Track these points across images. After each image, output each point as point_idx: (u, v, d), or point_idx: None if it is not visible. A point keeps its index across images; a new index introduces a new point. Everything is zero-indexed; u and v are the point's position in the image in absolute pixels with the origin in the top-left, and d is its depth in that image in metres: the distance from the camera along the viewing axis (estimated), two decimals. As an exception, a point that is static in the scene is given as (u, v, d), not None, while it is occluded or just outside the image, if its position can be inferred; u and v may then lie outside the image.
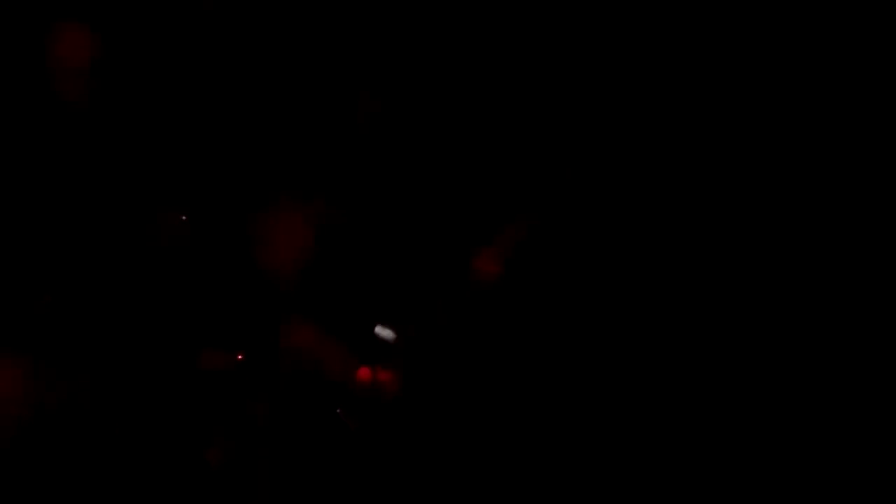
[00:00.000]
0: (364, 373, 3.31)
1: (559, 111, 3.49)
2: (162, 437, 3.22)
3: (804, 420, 3.29)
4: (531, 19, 3.50)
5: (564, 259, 3.42)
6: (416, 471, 3.29)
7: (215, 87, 3.44)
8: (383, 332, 3.29)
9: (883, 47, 3.39)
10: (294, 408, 3.29)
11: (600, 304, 3.39)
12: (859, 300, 3.33)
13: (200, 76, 3.44)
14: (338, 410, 3.23)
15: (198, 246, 3.39)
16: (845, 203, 3.39)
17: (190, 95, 3.43)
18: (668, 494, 3.27)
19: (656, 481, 3.29)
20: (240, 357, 3.28)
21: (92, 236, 3.31)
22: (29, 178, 3.31)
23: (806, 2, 3.41)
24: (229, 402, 3.27)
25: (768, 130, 3.43)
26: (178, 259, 3.35)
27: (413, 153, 3.43)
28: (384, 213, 3.40)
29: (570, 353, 3.37)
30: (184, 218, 3.35)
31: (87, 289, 3.29)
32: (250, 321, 3.31)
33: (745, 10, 3.45)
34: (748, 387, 3.32)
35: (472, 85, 3.49)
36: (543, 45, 3.48)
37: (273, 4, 3.47)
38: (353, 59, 3.46)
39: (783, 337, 3.32)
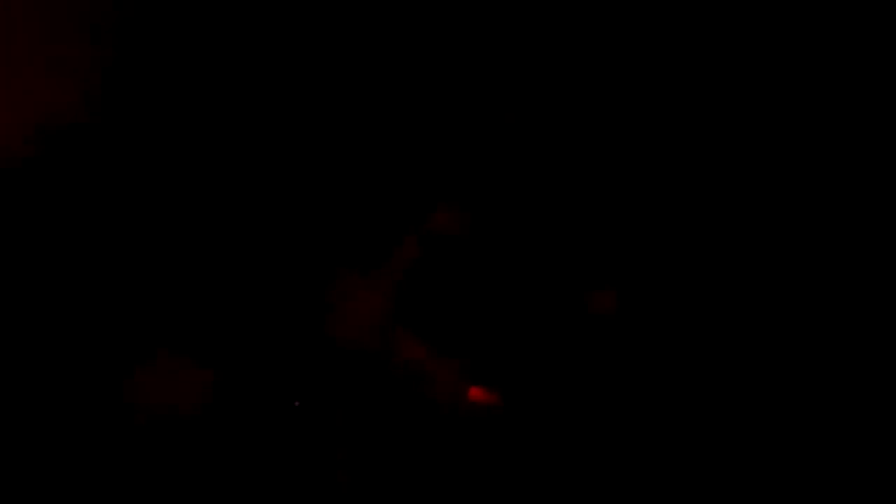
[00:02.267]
0: (476, 392, 3.35)
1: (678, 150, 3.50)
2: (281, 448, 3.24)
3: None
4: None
5: (680, 296, 3.42)
6: (521, 492, 3.30)
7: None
8: None
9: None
10: (403, 424, 3.33)
11: (715, 339, 3.37)
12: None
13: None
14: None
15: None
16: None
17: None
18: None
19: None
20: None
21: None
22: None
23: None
24: (341, 417, 3.31)
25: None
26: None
27: (536, 181, 3.45)
28: (505, 236, 3.40)
29: (682, 387, 3.37)
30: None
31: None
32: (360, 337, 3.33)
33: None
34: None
35: (604, 119, 3.49)
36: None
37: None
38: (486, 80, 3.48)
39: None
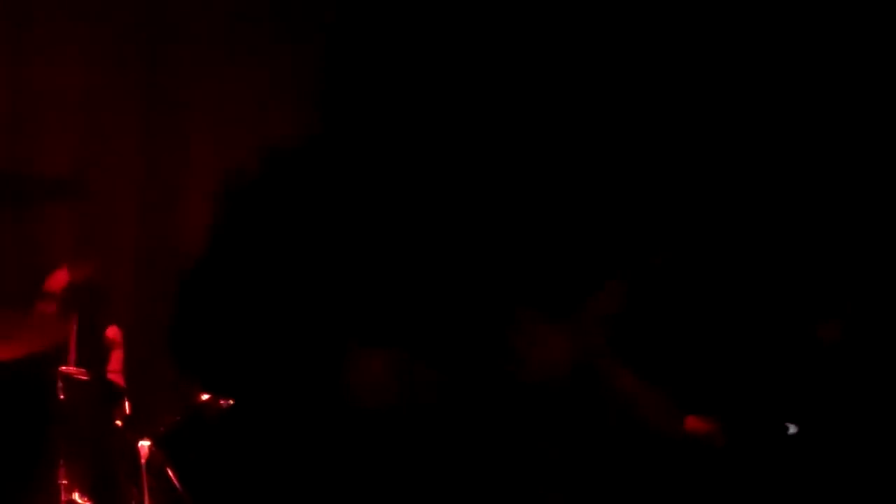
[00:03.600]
0: (693, 422, 3.24)
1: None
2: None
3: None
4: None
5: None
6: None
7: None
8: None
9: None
10: (616, 451, 3.23)
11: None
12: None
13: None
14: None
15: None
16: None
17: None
18: None
19: None
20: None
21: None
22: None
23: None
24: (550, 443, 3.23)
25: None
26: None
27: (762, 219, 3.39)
28: (723, 267, 3.36)
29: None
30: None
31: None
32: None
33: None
34: None
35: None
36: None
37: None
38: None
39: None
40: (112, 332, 4.13)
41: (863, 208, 3.35)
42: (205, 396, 3.76)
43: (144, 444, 3.56)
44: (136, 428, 3.62)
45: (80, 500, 3.42)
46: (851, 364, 3.19)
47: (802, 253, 3.32)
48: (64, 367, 3.60)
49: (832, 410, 3.20)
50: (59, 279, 4.10)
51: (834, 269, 3.30)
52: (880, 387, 3.20)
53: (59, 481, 3.41)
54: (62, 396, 3.51)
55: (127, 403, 3.66)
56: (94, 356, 4.06)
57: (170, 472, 3.62)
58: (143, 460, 3.52)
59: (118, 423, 3.59)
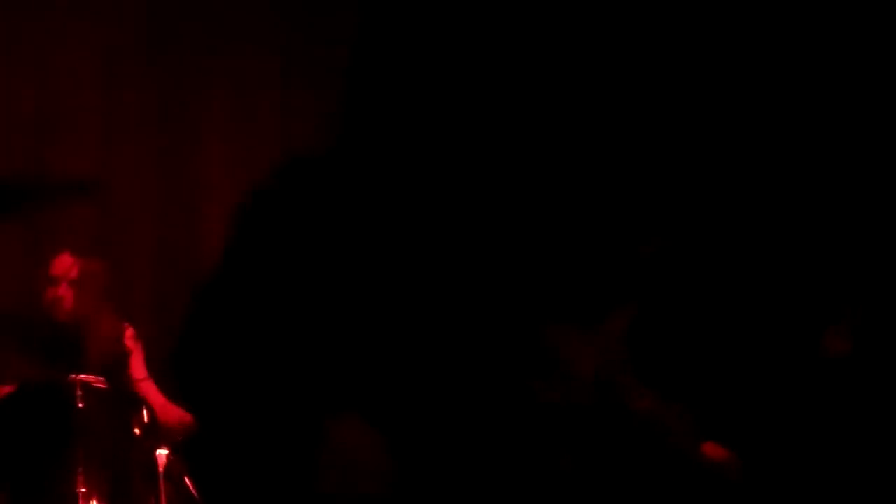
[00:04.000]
0: (711, 448, 3.26)
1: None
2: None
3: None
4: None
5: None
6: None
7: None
8: None
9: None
10: (638, 467, 3.27)
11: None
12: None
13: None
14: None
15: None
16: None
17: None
18: None
19: None
20: None
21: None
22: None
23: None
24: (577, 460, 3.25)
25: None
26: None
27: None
28: (734, 287, 3.41)
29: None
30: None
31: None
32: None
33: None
34: None
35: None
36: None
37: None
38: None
39: None
40: (128, 334, 4.12)
41: (871, 220, 3.42)
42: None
43: (162, 453, 3.58)
44: (155, 436, 3.64)
45: (97, 509, 3.44)
46: (859, 375, 3.20)
47: (811, 268, 3.35)
48: (83, 376, 3.61)
49: (840, 422, 3.22)
50: (62, 263, 4.09)
51: (841, 282, 3.32)
52: (887, 397, 3.21)
53: (78, 489, 3.43)
54: (81, 405, 3.53)
55: (145, 412, 3.68)
56: (109, 361, 4.06)
57: (187, 481, 3.64)
58: (160, 469, 3.54)
59: (136, 431, 3.61)
